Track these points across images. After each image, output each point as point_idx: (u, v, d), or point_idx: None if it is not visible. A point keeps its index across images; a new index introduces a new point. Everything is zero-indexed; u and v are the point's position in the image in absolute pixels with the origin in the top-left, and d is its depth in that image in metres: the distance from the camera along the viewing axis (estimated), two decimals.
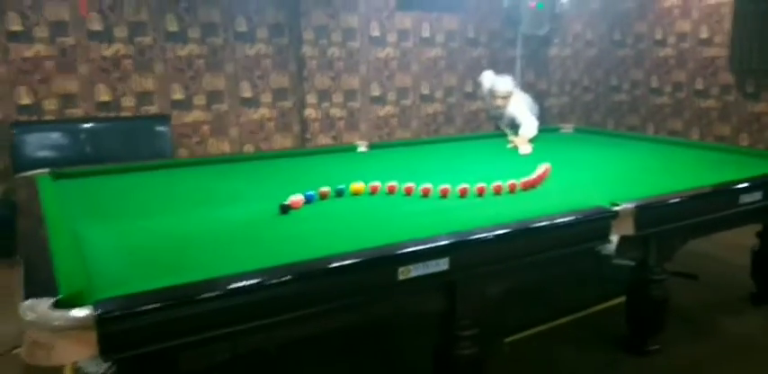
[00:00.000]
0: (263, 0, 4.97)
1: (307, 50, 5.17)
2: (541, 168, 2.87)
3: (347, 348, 2.86)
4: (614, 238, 2.30)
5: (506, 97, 4.08)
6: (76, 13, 4.33)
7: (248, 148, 5.13)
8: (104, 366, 1.44)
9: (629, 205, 2.30)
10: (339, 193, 2.56)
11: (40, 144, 4.23)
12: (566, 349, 2.82)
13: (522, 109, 4.09)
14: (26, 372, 2.61)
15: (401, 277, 1.82)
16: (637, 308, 2.72)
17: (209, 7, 4.77)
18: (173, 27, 4.68)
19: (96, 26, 4.42)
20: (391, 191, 2.61)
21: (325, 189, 2.53)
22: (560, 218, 2.16)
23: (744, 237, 3.28)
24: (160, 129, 4.61)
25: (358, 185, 2.60)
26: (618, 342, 2.81)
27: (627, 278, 2.71)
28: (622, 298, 2.83)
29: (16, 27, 4.17)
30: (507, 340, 2.78)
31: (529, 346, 2.82)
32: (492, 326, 2.34)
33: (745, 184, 2.74)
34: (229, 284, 1.55)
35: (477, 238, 1.95)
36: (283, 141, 5.29)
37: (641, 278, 2.64)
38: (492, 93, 4.13)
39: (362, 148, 3.74)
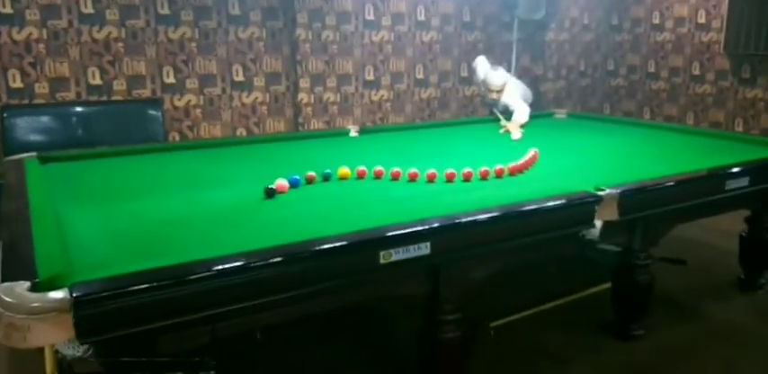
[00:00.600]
0: None
1: (300, 34, 5.13)
2: (529, 153, 2.87)
3: (333, 333, 2.88)
4: (598, 223, 2.31)
5: (500, 91, 4.10)
6: None
7: (241, 132, 5.12)
8: (82, 348, 1.45)
9: (614, 190, 2.30)
10: (326, 178, 2.56)
11: (31, 127, 4.21)
12: (551, 333, 2.84)
13: (515, 97, 4.10)
14: (10, 355, 2.64)
15: (383, 261, 1.82)
16: (621, 293, 2.74)
17: None
18: (164, 10, 4.64)
19: (88, 9, 4.38)
20: (378, 175, 2.62)
21: (312, 173, 2.53)
22: (543, 202, 2.16)
23: (733, 223, 3.29)
24: (152, 112, 4.59)
25: (344, 170, 2.60)
26: (604, 327, 2.83)
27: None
28: (609, 284, 2.85)
29: (6, 9, 4.13)
30: (493, 324, 2.79)
31: (514, 331, 2.84)
32: (477, 311, 2.36)
33: (732, 170, 2.74)
34: (208, 267, 1.56)
35: (458, 223, 1.96)
36: (276, 125, 5.27)
37: (626, 263, 2.66)
38: (486, 87, 4.13)
39: (353, 133, 3.73)
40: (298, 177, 2.45)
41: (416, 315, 2.19)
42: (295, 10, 5.06)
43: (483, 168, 2.60)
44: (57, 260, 1.55)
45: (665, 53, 6.24)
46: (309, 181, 2.51)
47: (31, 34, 4.24)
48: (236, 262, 1.59)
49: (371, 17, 5.44)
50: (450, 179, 2.54)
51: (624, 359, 2.64)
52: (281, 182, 2.36)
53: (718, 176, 2.70)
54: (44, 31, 4.28)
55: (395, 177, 2.59)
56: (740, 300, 3.21)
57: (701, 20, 5.87)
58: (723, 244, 3.71)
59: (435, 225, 1.92)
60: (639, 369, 2.58)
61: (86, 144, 3.94)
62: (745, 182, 2.75)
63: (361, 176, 2.60)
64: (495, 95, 4.11)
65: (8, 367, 2.62)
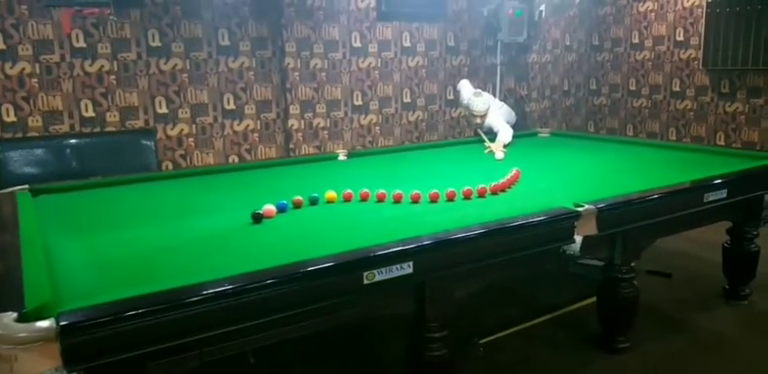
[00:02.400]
0: (246, 13, 5.05)
1: (289, 62, 5.25)
2: (511, 173, 2.94)
3: (325, 353, 2.91)
4: (578, 238, 2.37)
5: (483, 115, 4.21)
6: (60, 31, 4.40)
7: (233, 160, 5.19)
8: None
9: (592, 206, 2.36)
10: (313, 202, 2.62)
11: (26, 160, 4.27)
12: (540, 349, 2.88)
13: (498, 119, 4.20)
14: None
15: (366, 281, 1.87)
16: (606, 307, 2.78)
17: (192, 22, 4.84)
18: (156, 42, 4.75)
19: (80, 43, 4.49)
20: (364, 198, 2.68)
21: (299, 198, 2.59)
22: (523, 219, 2.22)
23: (716, 234, 3.35)
24: (145, 142, 4.66)
25: (331, 193, 2.67)
26: (591, 341, 2.87)
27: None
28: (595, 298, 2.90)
29: (0, 45, 4.24)
30: (482, 341, 2.83)
31: (503, 347, 2.88)
32: (464, 328, 2.41)
33: (709, 183, 2.81)
34: (193, 292, 1.59)
35: (439, 241, 2.01)
36: (268, 152, 5.35)
37: (609, 277, 2.71)
38: (469, 112, 4.26)
39: (342, 157, 3.81)
40: (285, 202, 2.51)
41: (405, 333, 2.23)
42: (283, 39, 5.18)
43: (466, 188, 2.67)
44: (43, 290, 1.58)
45: (646, 71, 6.38)
46: (297, 205, 2.57)
47: (24, 69, 4.34)
48: (221, 286, 1.63)
49: (358, 44, 5.57)
50: (434, 199, 2.60)
51: (612, 372, 2.67)
52: (269, 208, 2.42)
53: (695, 189, 2.76)
54: (37, 66, 4.37)
55: (380, 199, 2.65)
56: (725, 311, 3.25)
57: (680, 37, 6.02)
58: (707, 255, 3.77)
59: (417, 244, 1.96)
60: None
61: (81, 175, 3.99)
62: (723, 194, 2.82)
63: (347, 199, 2.67)
64: (478, 120, 4.22)
65: None
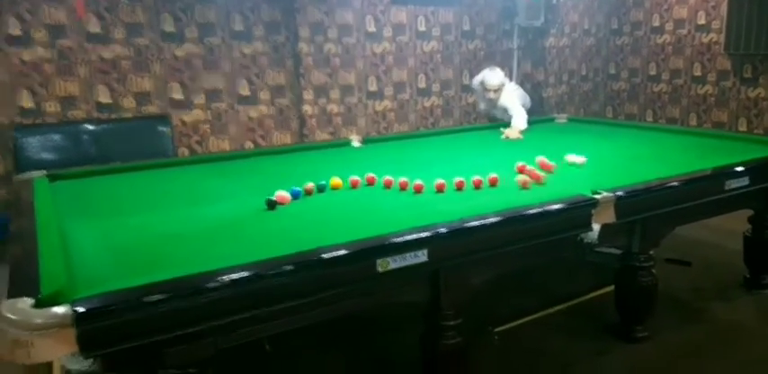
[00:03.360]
0: None
1: (303, 47, 5.21)
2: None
3: (340, 341, 2.91)
4: (596, 226, 2.33)
5: (498, 90, 4.14)
6: (74, 16, 4.39)
7: (248, 146, 5.19)
8: (87, 362, 1.49)
9: (610, 193, 2.32)
10: (321, 189, 2.62)
11: (43, 146, 4.30)
12: (556, 337, 2.86)
13: (513, 101, 4.14)
14: (25, 371, 2.69)
15: (380, 269, 1.86)
16: (624, 296, 2.75)
17: (205, 7, 4.81)
18: (170, 28, 4.73)
19: (94, 28, 4.48)
20: (370, 182, 2.67)
21: (310, 185, 2.58)
22: (540, 207, 2.19)
23: (737, 223, 3.29)
24: (161, 129, 4.67)
25: (336, 180, 2.67)
26: (608, 330, 2.84)
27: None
28: (613, 287, 2.86)
29: (15, 31, 4.24)
30: (497, 329, 2.81)
31: (519, 335, 2.86)
32: (479, 316, 2.39)
33: (732, 170, 2.75)
34: (209, 279, 1.59)
35: (455, 229, 1.99)
36: (282, 138, 5.34)
37: (627, 265, 2.67)
38: (483, 86, 4.18)
39: (356, 143, 3.78)
40: (299, 189, 2.50)
41: (419, 321, 2.22)
42: (297, 24, 5.14)
43: (476, 177, 2.60)
44: (60, 276, 1.59)
45: (666, 55, 6.26)
46: (308, 192, 2.56)
47: (39, 55, 4.34)
48: (237, 273, 1.63)
49: (373, 29, 5.51)
50: (439, 190, 2.54)
51: (629, 361, 2.65)
52: (282, 194, 2.41)
53: (716, 176, 2.71)
54: (52, 52, 4.38)
55: (403, 187, 2.61)
56: (746, 300, 3.20)
57: (701, 21, 5.89)
58: (728, 243, 3.71)
59: (432, 232, 1.95)
60: (645, 371, 2.59)
61: (97, 161, 4.02)
62: (745, 181, 2.76)
63: (354, 185, 2.63)
64: (492, 95, 4.18)
65: None
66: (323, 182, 2.62)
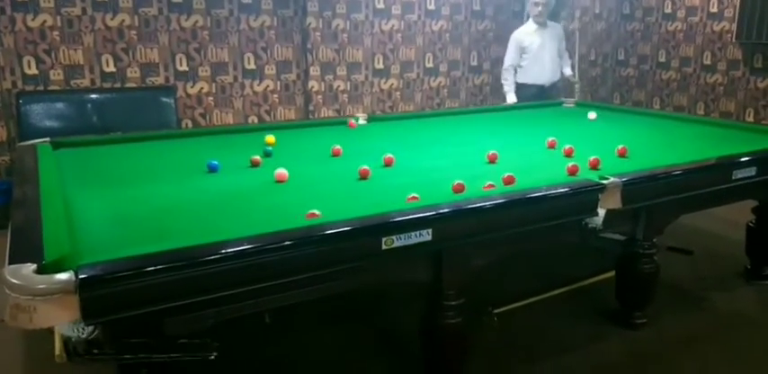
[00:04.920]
0: None
1: (311, 22, 5.15)
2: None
3: (340, 316, 2.92)
4: (601, 212, 2.32)
5: (546, 4, 4.80)
6: None
7: (252, 120, 5.16)
8: (88, 330, 1.49)
9: (617, 179, 2.30)
10: (267, 154, 2.78)
11: (46, 114, 4.27)
12: (555, 321, 2.87)
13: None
14: (24, 334, 2.70)
15: (385, 247, 1.85)
16: (625, 282, 2.75)
17: None
18: None
19: None
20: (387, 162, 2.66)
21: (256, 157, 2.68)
22: (546, 190, 2.17)
23: (741, 213, 3.28)
24: (165, 100, 4.64)
25: (270, 137, 3.01)
26: (608, 315, 2.85)
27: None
28: (614, 272, 2.86)
29: None
30: (497, 311, 2.82)
31: (519, 317, 2.87)
32: (480, 297, 2.39)
33: (739, 159, 2.73)
34: (213, 250, 1.59)
35: (460, 210, 1.98)
36: (287, 113, 5.31)
37: (630, 252, 2.67)
38: (533, 3, 4.84)
39: (362, 121, 3.75)
40: (215, 162, 2.55)
41: (420, 299, 2.22)
42: None
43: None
44: (63, 242, 1.58)
45: (677, 42, 6.18)
46: (256, 164, 2.65)
47: (45, 21, 4.29)
48: (241, 246, 1.62)
49: (382, 5, 5.44)
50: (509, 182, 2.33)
51: (628, 347, 2.66)
52: (281, 172, 2.40)
53: (724, 166, 2.69)
54: (58, 19, 4.32)
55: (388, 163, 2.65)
56: (746, 290, 3.21)
57: (713, 9, 5.80)
58: (730, 233, 3.71)
59: (437, 212, 1.94)
60: (643, 357, 2.60)
61: (100, 130, 3.99)
62: (752, 171, 2.74)
63: (364, 176, 2.50)
64: (535, 9, 4.85)
65: (23, 346, 2.69)
66: (268, 149, 2.81)
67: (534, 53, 5.01)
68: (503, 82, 5.14)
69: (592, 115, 3.86)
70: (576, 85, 5.40)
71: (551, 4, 5.11)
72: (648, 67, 6.50)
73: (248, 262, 1.63)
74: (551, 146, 3.00)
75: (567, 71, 5.32)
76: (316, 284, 1.84)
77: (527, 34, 5.04)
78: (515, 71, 5.08)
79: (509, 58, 5.08)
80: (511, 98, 5.05)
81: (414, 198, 2.11)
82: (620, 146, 2.86)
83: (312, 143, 3.16)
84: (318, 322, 2.87)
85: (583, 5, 6.50)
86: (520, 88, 5.08)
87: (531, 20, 5.07)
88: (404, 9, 5.55)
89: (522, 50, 5.02)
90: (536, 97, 4.95)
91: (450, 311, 2.17)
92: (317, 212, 1.92)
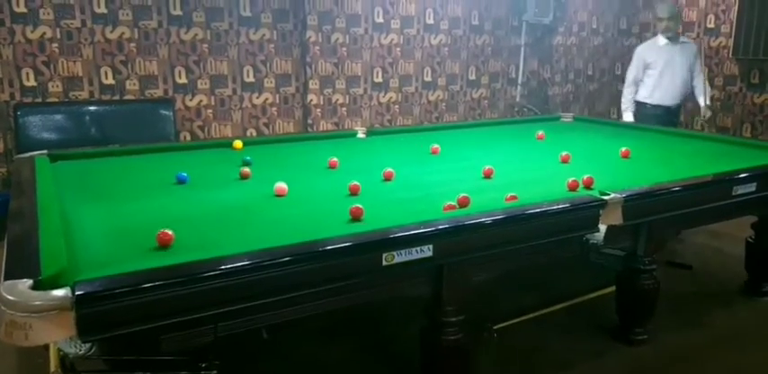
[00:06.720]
0: None
1: (311, 36, 5.17)
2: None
3: (339, 332, 2.90)
4: (602, 228, 2.31)
5: (664, 19, 4.50)
6: None
7: (251, 133, 5.16)
8: (84, 347, 1.46)
9: (618, 195, 2.30)
10: (247, 163, 2.82)
11: (44, 126, 4.26)
12: (555, 337, 2.85)
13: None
14: (18, 349, 2.66)
15: (385, 262, 1.84)
16: (625, 298, 2.74)
17: None
18: (177, 11, 4.68)
19: (101, 9, 4.43)
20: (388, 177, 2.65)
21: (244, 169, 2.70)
22: (547, 206, 2.17)
23: (740, 228, 3.28)
24: (164, 112, 4.63)
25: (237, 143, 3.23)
26: (607, 331, 2.83)
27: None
28: (614, 288, 2.85)
29: (20, 9, 4.19)
30: (496, 326, 2.80)
31: (518, 333, 2.85)
32: (480, 313, 2.37)
33: (739, 175, 2.73)
34: (212, 267, 1.57)
35: (461, 225, 1.97)
36: (286, 126, 5.31)
37: (630, 268, 2.66)
38: (658, 18, 4.60)
39: (361, 135, 3.75)
40: (185, 174, 2.56)
41: (420, 315, 2.20)
42: (305, 12, 5.09)
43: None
44: (60, 258, 1.56)
45: None
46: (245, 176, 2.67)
47: (44, 33, 4.29)
48: (239, 262, 1.61)
49: (381, 20, 5.47)
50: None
51: (627, 363, 2.64)
52: (281, 186, 2.38)
53: (724, 182, 2.69)
54: (57, 31, 4.33)
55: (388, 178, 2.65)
56: (745, 306, 3.19)
57: (711, 25, 5.86)
58: (730, 249, 3.70)
59: (438, 227, 1.93)
60: (642, 373, 2.57)
61: (99, 142, 3.99)
62: (752, 187, 2.75)
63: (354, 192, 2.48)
64: (661, 24, 4.55)
65: (17, 361, 2.65)
66: (247, 158, 2.87)
67: (660, 70, 4.60)
68: (622, 99, 4.82)
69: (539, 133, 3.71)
70: (706, 115, 4.76)
71: (678, 17, 4.79)
72: None
73: (248, 279, 1.61)
74: (564, 160, 3.04)
75: (702, 101, 4.68)
76: (316, 300, 1.82)
77: (652, 49, 4.66)
78: (636, 89, 4.74)
79: (630, 74, 4.75)
80: (627, 117, 4.75)
81: (451, 207, 2.17)
82: (623, 149, 2.98)
83: (311, 156, 3.15)
84: (317, 337, 2.84)
85: (580, 20, 6.56)
86: (640, 107, 4.73)
87: (659, 34, 4.69)
88: (403, 23, 5.58)
89: (646, 66, 4.66)
90: (660, 120, 4.54)
91: (451, 327, 2.15)
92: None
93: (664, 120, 4.53)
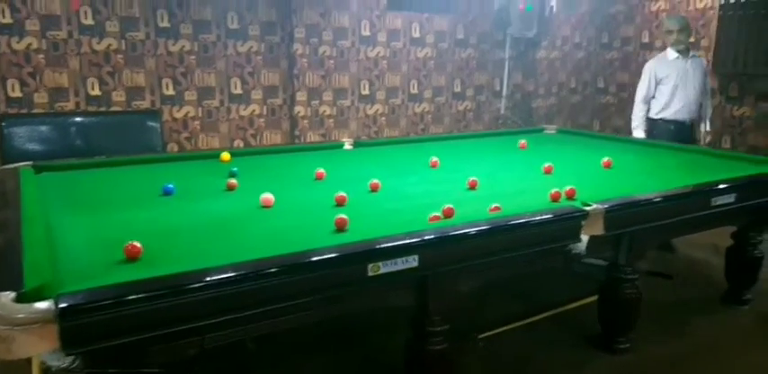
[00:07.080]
0: None
1: (298, 48, 5.21)
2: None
3: (324, 342, 2.90)
4: (584, 238, 2.34)
5: (673, 31, 4.41)
6: (68, 7, 4.35)
7: (238, 144, 5.16)
8: (68, 360, 1.45)
9: (600, 205, 2.34)
10: (233, 175, 2.83)
11: (30, 137, 4.23)
12: (539, 346, 2.87)
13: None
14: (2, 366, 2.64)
15: (371, 273, 1.85)
16: (608, 307, 2.77)
17: (201, 3, 4.79)
18: (165, 23, 4.70)
19: (88, 20, 4.44)
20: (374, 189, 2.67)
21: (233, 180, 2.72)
22: (530, 216, 2.20)
23: (720, 238, 3.33)
24: (150, 124, 4.62)
25: (225, 155, 3.27)
26: (590, 340, 2.86)
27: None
28: (596, 297, 2.88)
29: (6, 19, 4.19)
30: (481, 336, 2.82)
31: (502, 342, 2.86)
32: (465, 322, 2.39)
33: (718, 186, 2.78)
34: (197, 278, 1.57)
35: (446, 236, 1.99)
36: (273, 138, 5.32)
37: (612, 277, 2.69)
38: (667, 31, 4.48)
39: (348, 146, 3.78)
40: (171, 186, 2.56)
41: (405, 325, 2.22)
42: (293, 25, 5.13)
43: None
44: (44, 270, 1.55)
45: None
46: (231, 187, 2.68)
47: (30, 44, 4.29)
48: (225, 273, 1.61)
49: (367, 33, 5.53)
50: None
51: (610, 372, 2.67)
52: (267, 197, 2.40)
53: (704, 193, 2.74)
54: (44, 42, 4.33)
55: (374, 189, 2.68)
56: (726, 315, 3.24)
57: (691, 39, 5.96)
58: (710, 259, 3.75)
59: (424, 238, 1.95)
60: None
61: (85, 154, 3.96)
62: (731, 198, 2.80)
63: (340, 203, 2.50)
64: (671, 38, 4.44)
65: None
66: (234, 170, 2.88)
67: (673, 85, 4.44)
68: (632, 116, 4.65)
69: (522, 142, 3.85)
70: (705, 140, 4.68)
71: (689, 29, 4.53)
72: (627, 95, 6.62)
73: (233, 290, 1.61)
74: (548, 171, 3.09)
75: (702, 127, 4.64)
76: (302, 311, 1.83)
77: (663, 64, 4.51)
78: (648, 106, 4.57)
79: (641, 91, 4.58)
80: (638, 134, 4.57)
81: (436, 217, 2.21)
82: (605, 159, 3.11)
83: (298, 167, 3.17)
84: (303, 348, 2.84)
85: (563, 35, 6.66)
86: (653, 124, 4.55)
87: (669, 48, 4.53)
88: (389, 37, 5.64)
89: (658, 82, 4.49)
90: (675, 136, 4.36)
91: (436, 337, 2.17)
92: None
93: (679, 136, 4.37)
